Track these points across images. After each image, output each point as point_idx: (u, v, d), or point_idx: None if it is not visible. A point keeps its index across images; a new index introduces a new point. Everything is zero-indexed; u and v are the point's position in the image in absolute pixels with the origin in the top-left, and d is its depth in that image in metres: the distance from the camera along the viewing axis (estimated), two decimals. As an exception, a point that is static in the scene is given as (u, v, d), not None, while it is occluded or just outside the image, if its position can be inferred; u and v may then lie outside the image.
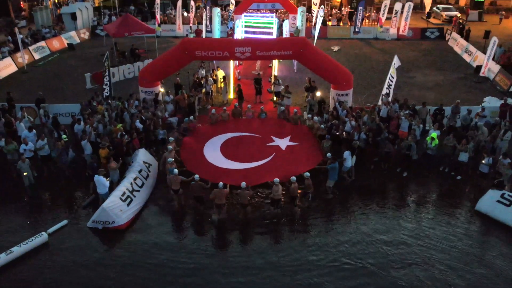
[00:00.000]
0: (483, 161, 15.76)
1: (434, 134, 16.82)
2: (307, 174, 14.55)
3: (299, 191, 14.55)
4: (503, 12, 43.23)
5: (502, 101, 20.35)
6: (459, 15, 41.69)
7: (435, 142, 16.59)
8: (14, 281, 11.80)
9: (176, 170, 14.55)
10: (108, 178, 14.73)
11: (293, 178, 14.31)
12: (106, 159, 15.59)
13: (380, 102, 20.32)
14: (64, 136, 16.79)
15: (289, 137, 17.70)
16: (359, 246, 13.07)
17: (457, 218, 14.50)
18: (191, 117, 18.75)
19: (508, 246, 13.19)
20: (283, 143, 17.32)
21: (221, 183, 13.94)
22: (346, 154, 15.81)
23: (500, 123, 18.20)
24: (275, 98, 22.14)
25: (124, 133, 16.80)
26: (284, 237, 13.55)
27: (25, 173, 15.14)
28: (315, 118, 18.49)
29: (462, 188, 16.16)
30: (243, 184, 13.97)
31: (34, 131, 16.95)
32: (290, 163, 16.02)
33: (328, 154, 15.62)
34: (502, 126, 17.59)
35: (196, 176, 14.36)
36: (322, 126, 17.74)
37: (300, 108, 21.60)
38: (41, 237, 12.99)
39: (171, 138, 16.56)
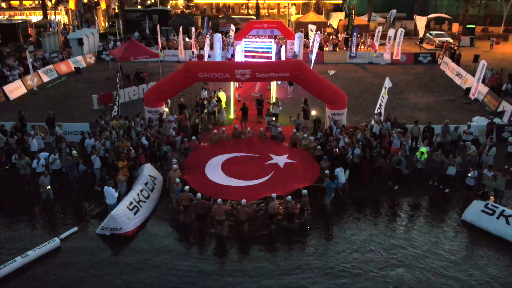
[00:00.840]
0: (469, 174, 16.79)
1: (423, 149, 17.88)
2: (305, 191, 15.28)
3: (296, 210, 15.33)
4: (494, 39, 44.82)
5: (489, 120, 21.52)
6: (451, 40, 43.29)
7: (424, 156, 17.62)
8: (28, 282, 12.65)
9: (187, 187, 15.38)
10: (116, 190, 15.70)
11: (289, 197, 14.98)
12: (125, 170, 16.78)
13: (373, 121, 21.44)
14: (74, 151, 17.83)
15: (287, 154, 18.51)
16: (355, 254, 13.93)
17: (445, 228, 15.42)
18: (193, 137, 19.63)
19: (490, 252, 14.07)
20: (281, 160, 18.09)
21: (219, 200, 14.63)
22: (338, 171, 16.73)
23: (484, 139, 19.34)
24: (273, 118, 23.07)
25: (131, 148, 17.87)
26: (281, 249, 14.25)
27: (48, 187, 16.16)
28: (311, 137, 19.46)
29: (450, 200, 17.11)
30: (243, 201, 14.72)
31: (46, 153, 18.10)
32: (289, 180, 16.72)
33: (326, 171, 16.53)
34: (487, 142, 18.68)
35: (198, 194, 15.07)
36: (319, 147, 18.56)
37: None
38: (54, 242, 13.93)
39: (174, 160, 17.32)
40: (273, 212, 14.95)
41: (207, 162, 18.09)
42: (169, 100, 23.83)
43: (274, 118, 22.29)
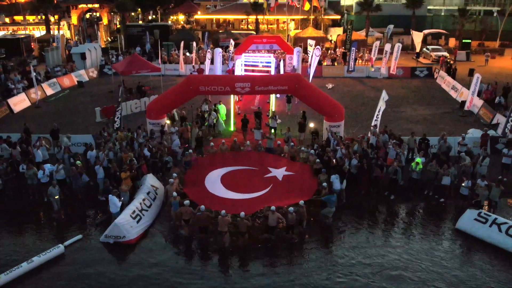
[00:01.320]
0: (463, 184, 17.28)
1: (418, 159, 18.39)
2: (301, 202, 15.68)
3: (296, 223, 15.51)
4: (489, 54, 45.48)
5: (483, 132, 22.07)
6: (447, 55, 44.05)
7: (419, 166, 18.12)
8: (34, 287, 13.05)
9: (187, 201, 15.66)
10: (121, 199, 16.16)
11: (291, 208, 15.31)
12: (128, 180, 17.31)
13: (369, 134, 21.94)
14: (78, 162, 18.32)
15: (285, 167, 18.82)
16: (353, 262, 14.35)
17: (439, 236, 15.90)
18: (190, 151, 19.85)
19: (484, 259, 14.56)
20: (279, 173, 18.41)
21: (223, 211, 14.99)
22: (333, 177, 17.22)
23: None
24: (261, 131, 23.07)
25: (133, 159, 18.35)
26: (280, 260, 14.55)
27: (56, 197, 16.63)
28: (312, 151, 19.73)
29: (445, 209, 17.59)
30: (242, 214, 15.04)
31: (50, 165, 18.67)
32: (287, 192, 17.06)
33: (324, 184, 16.88)
34: (481, 153, 19.18)
35: (202, 207, 15.36)
36: (317, 160, 18.81)
37: (296, 140, 22.94)
38: (58, 249, 14.37)
39: (174, 174, 17.60)
40: (273, 225, 15.24)
41: (207, 175, 18.38)
42: (175, 112, 24.33)
43: (273, 131, 22.74)
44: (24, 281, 13.23)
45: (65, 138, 21.02)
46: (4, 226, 16.36)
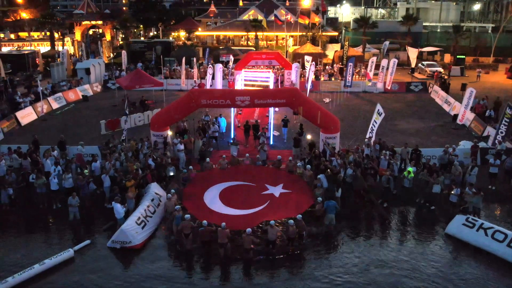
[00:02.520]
0: (452, 192, 18.19)
1: (410, 169, 19.31)
2: (299, 216, 16.23)
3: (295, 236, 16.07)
4: (481, 70, 46.27)
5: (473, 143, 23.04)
6: (441, 70, 45.21)
7: (411, 175, 19.05)
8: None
9: (188, 215, 16.15)
10: (125, 205, 17.03)
11: (291, 221, 15.86)
12: (133, 188, 18.16)
13: (364, 146, 22.87)
14: (85, 171, 19.23)
15: (282, 184, 19.14)
16: (351, 268, 15.13)
17: (430, 240, 16.74)
18: (190, 167, 20.42)
19: (471, 261, 15.49)
20: (276, 191, 18.80)
21: (223, 224, 15.53)
22: (321, 176, 18.08)
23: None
24: (238, 147, 23.81)
25: (139, 169, 19.26)
26: (280, 270, 15.09)
27: (76, 206, 17.38)
28: (308, 166, 20.26)
29: (435, 215, 18.46)
30: (249, 230, 15.38)
31: (59, 167, 19.61)
32: (284, 208, 17.47)
33: (319, 199, 17.43)
34: (469, 163, 20.11)
35: (204, 222, 15.80)
36: (319, 177, 19.08)
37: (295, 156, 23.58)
38: (68, 253, 15.22)
39: (172, 190, 18.16)
40: (273, 239, 15.73)
41: (206, 191, 18.75)
42: (182, 125, 25.25)
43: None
44: (37, 282, 14.09)
45: (79, 146, 22.08)
46: (19, 233, 17.20)
